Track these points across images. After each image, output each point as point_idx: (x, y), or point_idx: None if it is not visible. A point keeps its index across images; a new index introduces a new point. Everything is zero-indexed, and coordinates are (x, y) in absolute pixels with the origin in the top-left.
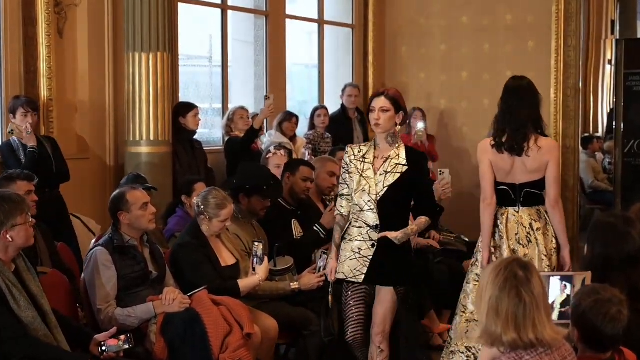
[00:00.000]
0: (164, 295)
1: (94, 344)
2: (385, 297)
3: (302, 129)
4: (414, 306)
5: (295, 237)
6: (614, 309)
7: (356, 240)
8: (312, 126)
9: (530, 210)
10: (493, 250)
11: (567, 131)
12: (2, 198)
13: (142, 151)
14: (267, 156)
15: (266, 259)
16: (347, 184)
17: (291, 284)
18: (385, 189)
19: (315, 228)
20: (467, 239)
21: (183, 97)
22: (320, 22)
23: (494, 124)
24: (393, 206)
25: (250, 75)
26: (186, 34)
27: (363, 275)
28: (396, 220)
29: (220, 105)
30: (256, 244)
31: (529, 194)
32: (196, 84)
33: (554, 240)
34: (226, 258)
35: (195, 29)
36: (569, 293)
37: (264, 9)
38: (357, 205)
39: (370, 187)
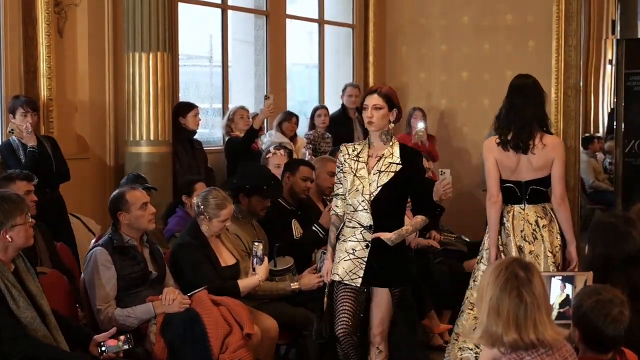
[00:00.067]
0: (164, 295)
1: (94, 344)
2: (381, 298)
3: (302, 129)
4: (412, 306)
5: (295, 237)
6: (616, 310)
7: (350, 240)
8: (312, 126)
9: (536, 208)
10: (501, 247)
11: (568, 131)
12: (2, 198)
13: (142, 151)
14: (267, 156)
15: (266, 259)
16: (341, 184)
17: (291, 284)
18: (379, 188)
19: (313, 228)
20: (467, 239)
21: (183, 97)
22: (321, 22)
23: (495, 122)
24: (387, 206)
25: (250, 75)
26: (186, 33)
27: (360, 279)
28: (390, 220)
29: (220, 105)
30: (256, 244)
31: (534, 191)
32: (196, 83)
33: (559, 237)
34: (226, 258)
35: (196, 28)
36: (568, 293)
37: (264, 9)
38: (351, 205)
39: (363, 186)
